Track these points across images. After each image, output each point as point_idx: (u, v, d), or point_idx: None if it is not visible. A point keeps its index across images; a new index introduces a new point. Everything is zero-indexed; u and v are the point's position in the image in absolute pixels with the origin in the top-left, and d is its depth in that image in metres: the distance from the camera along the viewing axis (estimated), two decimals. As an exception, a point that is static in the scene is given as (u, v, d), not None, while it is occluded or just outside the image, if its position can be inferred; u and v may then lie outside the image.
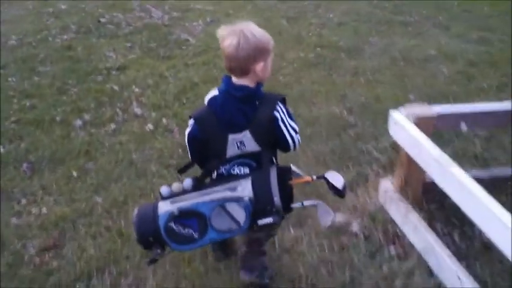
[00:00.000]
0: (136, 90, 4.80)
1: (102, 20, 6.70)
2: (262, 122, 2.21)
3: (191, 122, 2.30)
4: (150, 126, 4.19)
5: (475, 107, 3.07)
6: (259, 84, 2.27)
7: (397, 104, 4.28)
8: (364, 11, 7.10)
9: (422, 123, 2.82)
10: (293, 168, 2.32)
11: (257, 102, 2.23)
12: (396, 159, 3.38)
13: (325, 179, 2.25)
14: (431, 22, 6.55)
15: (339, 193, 2.24)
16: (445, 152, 2.51)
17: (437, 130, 2.97)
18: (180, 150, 3.79)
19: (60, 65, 5.34)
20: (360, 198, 3.33)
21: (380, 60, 5.38)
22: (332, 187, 2.24)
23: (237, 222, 2.14)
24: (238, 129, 2.22)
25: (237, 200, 2.13)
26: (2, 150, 3.87)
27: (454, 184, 2.35)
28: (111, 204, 3.28)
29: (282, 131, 2.25)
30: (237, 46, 2.15)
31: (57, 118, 4.30)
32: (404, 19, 6.72)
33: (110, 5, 7.35)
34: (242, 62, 2.18)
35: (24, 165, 3.69)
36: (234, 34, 2.16)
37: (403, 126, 2.82)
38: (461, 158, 3.48)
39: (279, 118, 2.24)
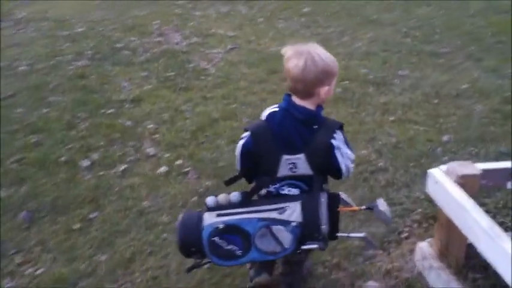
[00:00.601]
0: (150, 126, 4.49)
1: (119, 45, 6.43)
2: (319, 147, 2.20)
3: (246, 134, 2.29)
4: (163, 168, 3.87)
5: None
6: (319, 108, 2.26)
7: (432, 147, 3.97)
8: (392, 39, 6.74)
9: (466, 183, 2.49)
10: (342, 195, 2.32)
11: (315, 126, 2.21)
12: (432, 212, 3.08)
13: (373, 209, 2.27)
14: (464, 53, 6.16)
15: (386, 223, 2.32)
16: (487, 205, 2.17)
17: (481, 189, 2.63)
18: (196, 198, 3.46)
19: (72, 95, 5.07)
20: (393, 261, 2.96)
21: (411, 96, 5.01)
22: (378, 218, 2.28)
23: (281, 245, 2.12)
24: (294, 151, 2.21)
25: (285, 223, 2.12)
26: (2, 194, 3.57)
27: (504, 259, 2.06)
28: (116, 263, 2.95)
29: (337, 159, 2.22)
30: (303, 68, 2.14)
31: (63, 158, 4.00)
32: (435, 49, 6.34)
33: (128, 28, 7.11)
34: (309, 85, 2.17)
35: (23, 213, 3.38)
36: (301, 55, 2.16)
37: (445, 188, 2.48)
38: (502, 210, 3.09)
39: (336, 146, 2.22)
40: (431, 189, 2.62)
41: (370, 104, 4.85)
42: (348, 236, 2.37)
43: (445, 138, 4.18)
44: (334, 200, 2.27)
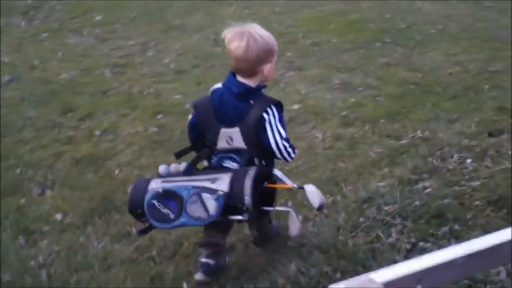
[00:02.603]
0: None
1: None
2: (251, 121, 2.31)
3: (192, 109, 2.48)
4: None
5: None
6: (260, 85, 2.40)
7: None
8: (201, 50, 6.02)
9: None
10: (277, 173, 2.47)
11: (251, 101, 2.34)
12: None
13: (304, 189, 2.36)
14: (283, 61, 5.61)
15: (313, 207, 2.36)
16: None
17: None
18: None
19: None
20: None
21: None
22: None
23: (207, 212, 2.21)
24: (230, 124, 2.35)
25: (212, 192, 2.22)
26: None
27: None
28: None
29: (266, 132, 2.32)
30: (246, 48, 2.26)
31: None
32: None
33: None
34: (251, 64, 2.30)
35: None
36: (242, 36, 2.27)
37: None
38: None
39: (267, 119, 2.32)
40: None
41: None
42: (274, 209, 2.50)
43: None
44: (264, 175, 2.37)
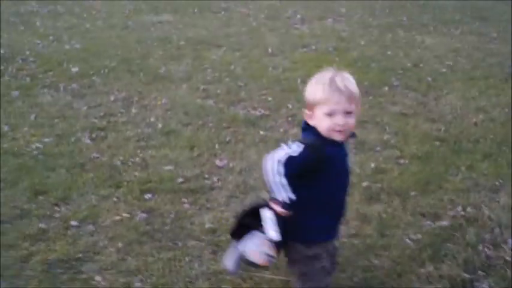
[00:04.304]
0: None
1: None
2: None
3: None
4: None
5: None
6: None
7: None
8: (191, 104, 5.41)
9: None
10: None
11: None
12: None
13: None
14: (282, 116, 4.96)
15: None
16: None
17: None
18: None
19: None
20: None
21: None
22: None
23: None
24: None
25: None
26: None
27: None
28: None
29: None
30: None
31: None
32: (248, 113, 5.12)
33: None
34: None
35: None
36: None
37: None
38: None
39: None
40: None
41: (190, 234, 3.34)
42: None
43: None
44: None
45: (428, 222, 3.23)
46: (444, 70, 6.21)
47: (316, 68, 6.15)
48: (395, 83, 5.81)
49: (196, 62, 6.81)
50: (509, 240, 2.99)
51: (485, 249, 2.94)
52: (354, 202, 3.43)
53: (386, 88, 5.68)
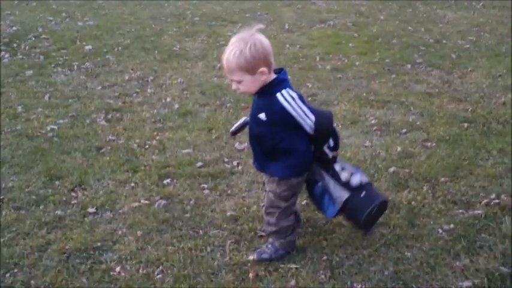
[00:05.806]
0: None
1: None
2: None
3: None
4: None
5: None
6: None
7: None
8: (207, 82, 5.22)
9: None
10: None
11: None
12: None
13: None
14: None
15: None
16: None
17: None
18: None
19: None
20: None
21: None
22: None
23: None
24: None
25: None
26: None
27: None
28: None
29: None
30: None
31: None
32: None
33: None
34: None
35: None
36: None
37: None
38: None
39: None
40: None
41: (211, 222, 3.22)
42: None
43: None
44: None
45: (461, 210, 3.08)
46: (468, 46, 5.99)
47: (335, 44, 6.03)
48: (418, 60, 5.62)
49: (211, 38, 6.64)
50: (548, 231, 2.84)
51: (523, 241, 2.79)
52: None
53: (409, 66, 5.48)
